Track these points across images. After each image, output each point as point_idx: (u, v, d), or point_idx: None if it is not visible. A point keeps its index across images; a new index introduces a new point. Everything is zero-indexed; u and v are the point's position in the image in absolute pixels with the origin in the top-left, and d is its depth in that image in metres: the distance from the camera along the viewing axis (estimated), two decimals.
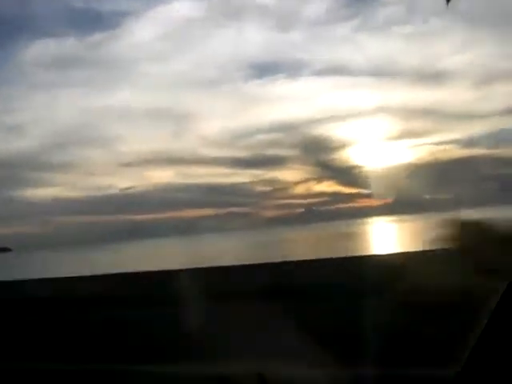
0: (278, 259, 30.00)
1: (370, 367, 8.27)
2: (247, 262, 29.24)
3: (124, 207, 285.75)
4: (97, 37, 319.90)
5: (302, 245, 72.72)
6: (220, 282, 17.91)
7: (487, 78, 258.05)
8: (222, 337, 10.37)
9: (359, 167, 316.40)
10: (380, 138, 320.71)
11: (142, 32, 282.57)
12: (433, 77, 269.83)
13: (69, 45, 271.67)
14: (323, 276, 16.91)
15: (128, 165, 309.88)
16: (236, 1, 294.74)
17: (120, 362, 10.71)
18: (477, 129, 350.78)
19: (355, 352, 9.07)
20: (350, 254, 34.88)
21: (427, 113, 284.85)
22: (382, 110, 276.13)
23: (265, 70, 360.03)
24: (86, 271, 36.11)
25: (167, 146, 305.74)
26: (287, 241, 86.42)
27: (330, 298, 13.68)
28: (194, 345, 10.57)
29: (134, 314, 15.24)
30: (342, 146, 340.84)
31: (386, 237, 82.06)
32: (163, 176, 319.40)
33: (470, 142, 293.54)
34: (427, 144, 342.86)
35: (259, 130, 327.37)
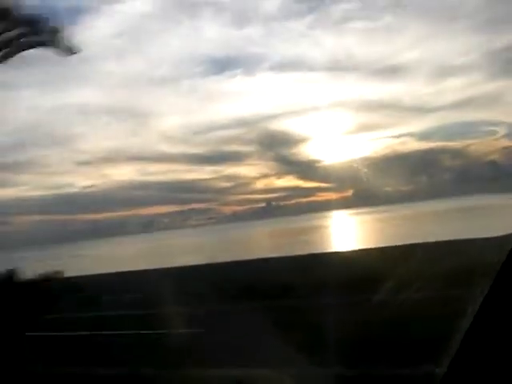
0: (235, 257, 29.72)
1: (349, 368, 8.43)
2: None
3: (85, 206, 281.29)
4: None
5: (259, 242, 72.66)
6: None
7: (440, 73, 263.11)
8: None
9: (318, 161, 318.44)
10: (338, 132, 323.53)
11: (97, 29, 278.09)
12: (388, 71, 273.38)
13: None
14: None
15: (87, 163, 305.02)
16: None
17: None
18: (431, 122, 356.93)
19: None
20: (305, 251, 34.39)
21: (383, 106, 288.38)
22: (339, 104, 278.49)
23: (222, 65, 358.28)
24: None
25: (126, 143, 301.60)
26: (246, 237, 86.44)
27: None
28: None
29: None
30: (301, 140, 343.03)
31: (343, 232, 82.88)
32: (123, 174, 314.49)
33: (425, 135, 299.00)
34: (384, 137, 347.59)
35: (218, 126, 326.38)
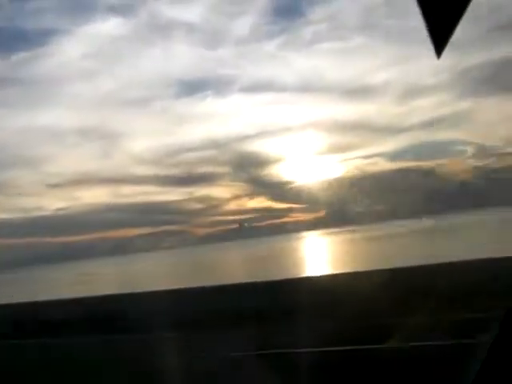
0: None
1: None
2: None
3: (56, 229, 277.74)
4: (22, 55, 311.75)
5: (230, 265, 71.40)
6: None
7: (409, 93, 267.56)
8: None
9: (290, 182, 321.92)
10: (309, 153, 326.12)
11: (68, 51, 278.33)
12: (358, 92, 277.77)
13: None
14: None
15: (58, 185, 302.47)
16: (163, 19, 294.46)
17: None
18: (401, 142, 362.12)
19: None
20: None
21: (354, 127, 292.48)
22: (310, 125, 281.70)
23: (193, 87, 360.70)
24: None
25: (98, 165, 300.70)
26: (216, 261, 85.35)
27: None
28: None
29: None
30: (273, 161, 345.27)
31: (316, 254, 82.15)
32: (95, 196, 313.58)
33: (395, 155, 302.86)
34: (355, 158, 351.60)
35: (190, 148, 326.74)
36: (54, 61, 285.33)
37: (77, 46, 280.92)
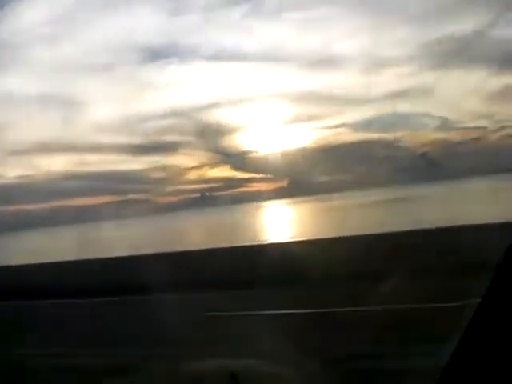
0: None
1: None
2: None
3: (14, 197, 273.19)
4: None
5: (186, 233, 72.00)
6: None
7: (376, 64, 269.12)
8: None
9: (253, 152, 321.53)
10: (273, 123, 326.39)
11: (27, 14, 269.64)
12: (324, 62, 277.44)
13: None
14: None
15: (16, 153, 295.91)
16: None
17: None
18: (365, 113, 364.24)
19: None
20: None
21: (318, 97, 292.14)
22: (274, 94, 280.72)
23: (157, 54, 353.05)
24: None
25: (58, 133, 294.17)
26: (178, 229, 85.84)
27: None
28: None
29: None
30: (236, 131, 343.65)
31: (276, 222, 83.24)
32: (56, 164, 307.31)
33: (359, 126, 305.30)
34: (320, 128, 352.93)
35: (153, 116, 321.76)
36: (12, 24, 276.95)
37: (37, 10, 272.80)
